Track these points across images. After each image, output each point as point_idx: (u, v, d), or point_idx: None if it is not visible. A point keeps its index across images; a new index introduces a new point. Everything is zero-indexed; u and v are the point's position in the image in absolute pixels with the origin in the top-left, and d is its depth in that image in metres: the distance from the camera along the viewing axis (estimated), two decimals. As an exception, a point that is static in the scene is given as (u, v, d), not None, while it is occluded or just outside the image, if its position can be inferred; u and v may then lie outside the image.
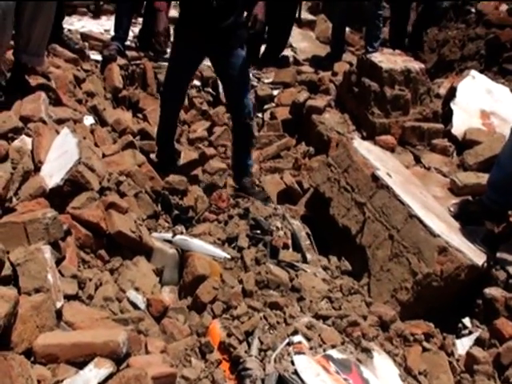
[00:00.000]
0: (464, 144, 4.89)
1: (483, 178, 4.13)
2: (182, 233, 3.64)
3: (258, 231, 3.68)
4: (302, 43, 7.69)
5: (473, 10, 7.51)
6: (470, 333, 3.30)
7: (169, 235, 3.54)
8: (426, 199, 3.97)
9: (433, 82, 5.92)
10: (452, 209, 4.03)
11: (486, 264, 3.40)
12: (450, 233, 3.51)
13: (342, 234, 3.93)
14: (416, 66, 5.43)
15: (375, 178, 3.84)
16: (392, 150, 4.95)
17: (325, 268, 3.61)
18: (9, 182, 2.96)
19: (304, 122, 5.74)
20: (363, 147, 4.27)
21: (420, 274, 3.33)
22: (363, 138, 5.12)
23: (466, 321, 3.38)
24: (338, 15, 7.06)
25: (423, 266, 3.34)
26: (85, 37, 6.07)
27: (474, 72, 5.68)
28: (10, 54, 4.10)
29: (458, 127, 5.05)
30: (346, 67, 6.16)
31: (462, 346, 3.24)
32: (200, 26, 4.30)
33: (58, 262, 2.80)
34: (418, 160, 4.90)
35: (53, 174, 3.20)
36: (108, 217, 3.21)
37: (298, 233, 3.84)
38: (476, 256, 3.39)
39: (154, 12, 6.17)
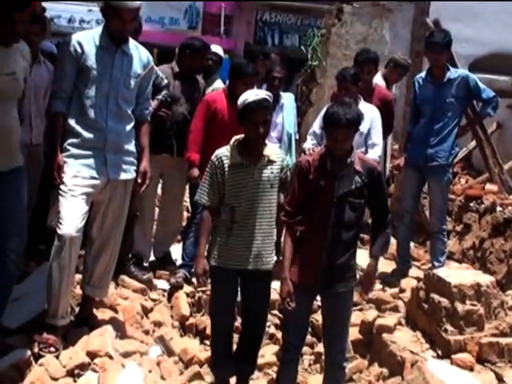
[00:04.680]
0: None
1: None
2: None
3: None
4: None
5: (535, 216, 7.48)
6: None
7: None
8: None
9: (505, 294, 5.75)
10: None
11: None
12: None
13: None
14: (486, 279, 5.31)
15: (456, 405, 3.61)
16: (471, 368, 4.66)
17: None
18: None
19: (375, 342, 5.56)
20: (439, 369, 4.08)
21: None
22: (438, 357, 4.88)
23: None
24: (402, 231, 7.11)
25: None
26: (153, 265, 6.24)
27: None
28: (78, 289, 4.24)
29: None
30: (414, 283, 6.07)
31: None
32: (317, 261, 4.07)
33: None
34: (500, 379, 4.58)
35: (117, 411, 3.14)
36: None
37: None
38: None
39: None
